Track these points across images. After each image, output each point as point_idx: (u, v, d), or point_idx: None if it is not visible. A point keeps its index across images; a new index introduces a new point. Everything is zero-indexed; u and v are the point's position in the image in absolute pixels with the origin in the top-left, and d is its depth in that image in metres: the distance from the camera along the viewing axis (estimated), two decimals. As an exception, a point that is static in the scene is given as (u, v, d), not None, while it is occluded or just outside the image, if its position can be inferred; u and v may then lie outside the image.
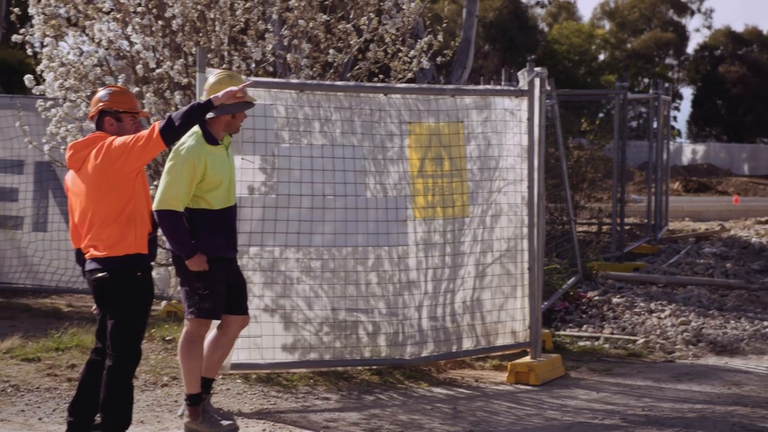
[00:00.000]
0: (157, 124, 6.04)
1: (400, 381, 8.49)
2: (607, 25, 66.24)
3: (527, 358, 8.81)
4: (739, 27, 66.66)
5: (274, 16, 9.45)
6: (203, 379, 6.88)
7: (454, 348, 8.73)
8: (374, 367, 8.57)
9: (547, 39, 55.95)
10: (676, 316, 11.27)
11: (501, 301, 8.94)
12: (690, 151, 56.48)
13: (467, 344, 8.79)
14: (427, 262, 8.57)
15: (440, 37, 9.71)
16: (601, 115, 32.79)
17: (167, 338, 9.26)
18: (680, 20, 66.86)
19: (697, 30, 75.60)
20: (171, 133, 6.06)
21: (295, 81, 8.55)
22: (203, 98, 6.44)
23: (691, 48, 67.42)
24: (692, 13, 67.30)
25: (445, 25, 11.48)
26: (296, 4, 9.09)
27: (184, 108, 6.18)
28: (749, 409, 7.73)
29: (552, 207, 14.37)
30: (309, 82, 8.51)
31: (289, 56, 9.20)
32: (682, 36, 66.05)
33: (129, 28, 9.05)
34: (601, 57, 62.36)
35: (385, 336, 8.42)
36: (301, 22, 9.14)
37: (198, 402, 6.82)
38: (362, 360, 8.42)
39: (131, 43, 9.13)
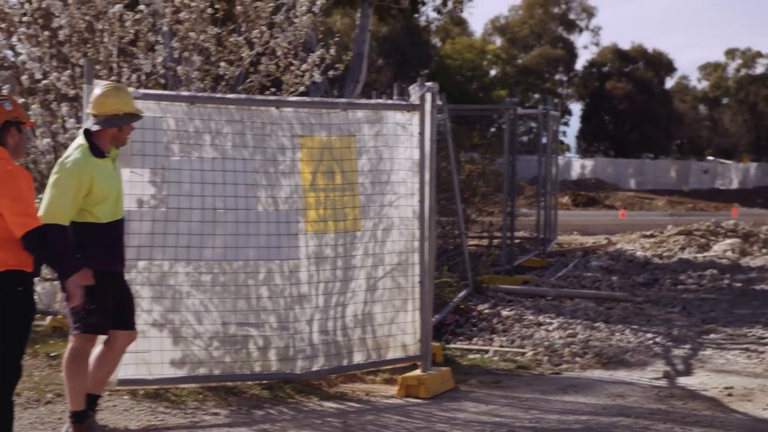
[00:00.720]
0: (35, 224, 5.86)
1: (290, 395, 8.46)
2: (499, 41, 67.23)
3: (417, 372, 8.85)
4: (625, 45, 68.22)
5: (165, 28, 9.36)
6: (89, 396, 6.75)
7: (345, 362, 8.73)
8: (264, 381, 8.52)
9: (439, 54, 56.45)
10: (563, 329, 11.45)
11: (392, 314, 8.97)
12: (579, 166, 57.54)
13: (358, 358, 8.80)
14: (319, 275, 8.56)
15: (333, 51, 9.73)
16: (492, 129, 33.26)
17: (52, 354, 9.06)
18: (569, 37, 68.22)
19: (586, 47, 77.22)
20: (33, 246, 5.88)
21: (185, 93, 8.48)
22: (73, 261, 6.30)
23: (579, 65, 68.78)
24: (581, 31, 68.75)
25: (337, 39, 11.52)
26: (187, 17, 9.02)
27: (62, 250, 6.09)
28: (632, 419, 7.89)
29: (444, 221, 14.48)
30: (200, 94, 8.44)
31: (179, 68, 9.13)
32: (571, 53, 67.39)
33: (14, 38, 8.86)
34: (493, 72, 63.21)
35: (276, 350, 8.38)
36: (191, 34, 9.07)
37: (83, 419, 6.69)
38: (252, 375, 8.37)
39: (16, 53, 8.95)
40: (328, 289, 8.59)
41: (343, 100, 10.19)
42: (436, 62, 53.95)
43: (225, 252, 8.21)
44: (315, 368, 8.56)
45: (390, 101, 10.17)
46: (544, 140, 18.58)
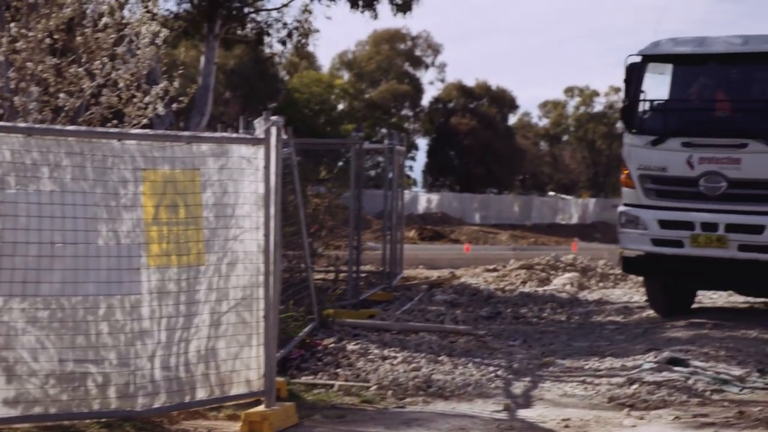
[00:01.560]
0: None
1: (130, 434, 8.28)
2: (346, 75, 67.75)
3: (261, 407, 8.78)
4: (470, 82, 69.74)
5: (1, 58, 9.12)
6: None
7: (188, 398, 8.59)
8: (103, 419, 8.31)
9: (287, 87, 56.54)
10: (407, 363, 11.54)
11: (236, 349, 8.88)
12: (425, 200, 58.34)
13: (201, 394, 8.67)
14: (161, 311, 8.42)
15: (177, 84, 9.64)
16: (340, 163, 33.40)
17: None
18: (415, 73, 69.27)
19: (432, 83, 78.37)
20: None
21: (22, 125, 8.26)
22: None
23: (426, 100, 69.89)
24: (427, 67, 69.88)
25: (182, 71, 11.41)
26: (24, 46, 8.81)
27: None
28: (475, 452, 7.99)
29: (290, 254, 14.44)
30: (38, 126, 8.25)
31: (16, 99, 8.90)
32: (418, 88, 68.43)
33: None
34: (341, 106, 63.62)
35: (116, 387, 8.19)
36: (29, 64, 8.87)
37: None
38: (91, 413, 8.15)
39: None
40: (170, 325, 8.45)
41: (187, 133, 10.09)
42: (284, 95, 54.04)
43: (63, 287, 7.99)
44: (156, 405, 8.39)
45: (235, 135, 10.14)
46: (390, 174, 18.76)
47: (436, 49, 69.54)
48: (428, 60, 69.65)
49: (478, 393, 10.48)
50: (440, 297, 17.27)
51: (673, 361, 11.60)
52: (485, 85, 69.97)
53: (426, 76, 70.80)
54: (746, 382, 11.02)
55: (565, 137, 76.93)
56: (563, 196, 65.74)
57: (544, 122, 78.58)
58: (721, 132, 14.32)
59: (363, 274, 17.74)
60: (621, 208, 15.18)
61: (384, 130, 58.01)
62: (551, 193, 68.37)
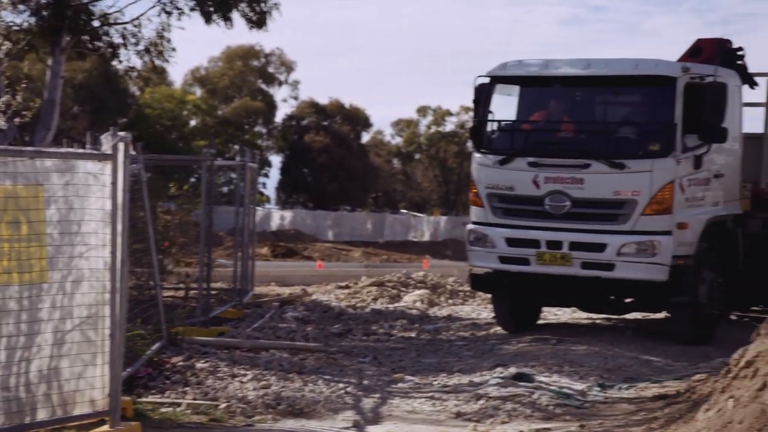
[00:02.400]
0: None
1: (-32, 457, 8.02)
2: (199, 91, 67.14)
3: (106, 427, 8.62)
4: (324, 99, 70.00)
5: None
6: None
7: (28, 419, 8.36)
8: (-61, 443, 8.03)
9: (138, 103, 55.70)
10: (257, 380, 11.49)
11: (80, 368, 8.69)
12: (279, 217, 58.23)
13: (42, 414, 8.45)
14: (1, 330, 8.19)
15: (20, 97, 9.42)
16: (192, 180, 33.10)
17: None
18: (269, 90, 69.10)
19: (285, 100, 78.24)
20: None
21: None
22: None
23: (279, 117, 69.77)
24: (280, 84, 69.81)
25: (26, 84, 11.14)
26: None
27: None
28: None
29: (138, 272, 14.22)
30: None
31: None
32: (271, 105, 68.29)
33: None
34: (193, 122, 62.98)
35: (-47, 409, 7.93)
36: None
37: None
38: (-74, 436, 7.87)
39: None
40: (11, 344, 8.22)
41: (30, 148, 9.88)
42: (135, 111, 53.22)
43: None
44: (-5, 427, 8.15)
45: (81, 150, 9.94)
46: (242, 191, 18.66)
47: (289, 67, 69.59)
48: (282, 77, 69.64)
49: (327, 410, 10.51)
50: (291, 314, 17.24)
51: (519, 377, 11.86)
52: (338, 103, 70.32)
53: (279, 93, 70.75)
54: (588, 396, 11.34)
55: (418, 155, 77.82)
56: (415, 213, 66.46)
57: (397, 140, 79.42)
58: (565, 152, 14.66)
59: (214, 291, 17.57)
60: (470, 226, 15.41)
61: (237, 147, 57.75)
62: (404, 211, 69.05)
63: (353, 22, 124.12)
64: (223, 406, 10.41)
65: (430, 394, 11.37)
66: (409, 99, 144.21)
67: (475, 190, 15.25)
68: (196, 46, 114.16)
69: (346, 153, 64.68)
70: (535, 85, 15.48)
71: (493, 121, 15.31)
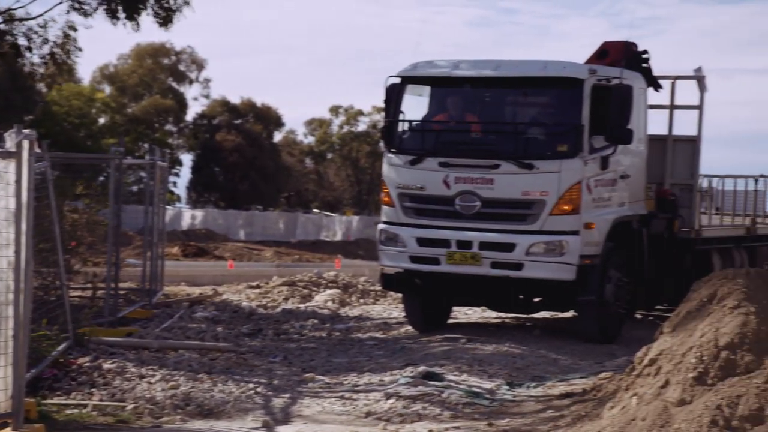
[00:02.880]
0: None
1: None
2: (108, 89, 66.19)
3: (8, 430, 8.47)
4: (235, 98, 69.49)
5: None
6: None
7: (-71, 423, 8.19)
8: None
9: (45, 100, 54.72)
10: (166, 381, 11.36)
11: (-17, 370, 8.53)
12: (189, 217, 57.70)
13: (-57, 418, 8.28)
14: None
15: None
16: (102, 178, 32.66)
17: None
18: (179, 88, 68.40)
19: (196, 99, 77.12)
20: None
21: None
22: None
23: (190, 116, 69.09)
24: (191, 82, 69.13)
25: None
26: None
27: None
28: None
29: (44, 271, 13.98)
30: None
31: None
32: (182, 104, 67.59)
33: None
34: (102, 120, 62.04)
35: None
36: None
37: None
38: None
39: None
40: None
41: (-68, 144, 9.64)
42: (42, 108, 52.24)
43: None
44: None
45: (-16, 147, 9.72)
46: (152, 190, 18.45)
47: (200, 65, 68.94)
48: (193, 75, 68.99)
49: (237, 410, 10.45)
50: (201, 314, 17.11)
51: (429, 376, 11.92)
52: (250, 102, 69.89)
53: (190, 92, 70.02)
54: (496, 394, 11.45)
55: (330, 155, 77.80)
56: (328, 213, 66.42)
57: (310, 140, 79.28)
58: (475, 153, 14.77)
59: (122, 291, 17.36)
60: (381, 226, 15.44)
61: (146, 145, 57.10)
62: (316, 210, 68.95)
63: (266, 22, 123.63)
64: (130, 407, 10.29)
65: (340, 394, 11.38)
66: (322, 98, 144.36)
67: (386, 190, 15.28)
68: (105, 44, 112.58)
69: (258, 152, 64.34)
70: (445, 86, 15.52)
71: (404, 121, 15.34)
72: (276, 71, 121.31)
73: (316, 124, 77.95)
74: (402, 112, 15.31)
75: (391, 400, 10.85)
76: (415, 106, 15.62)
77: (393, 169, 15.20)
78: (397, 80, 15.31)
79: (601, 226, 14.59)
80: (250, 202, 65.31)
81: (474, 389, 11.52)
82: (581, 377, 12.23)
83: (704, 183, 18.33)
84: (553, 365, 13.25)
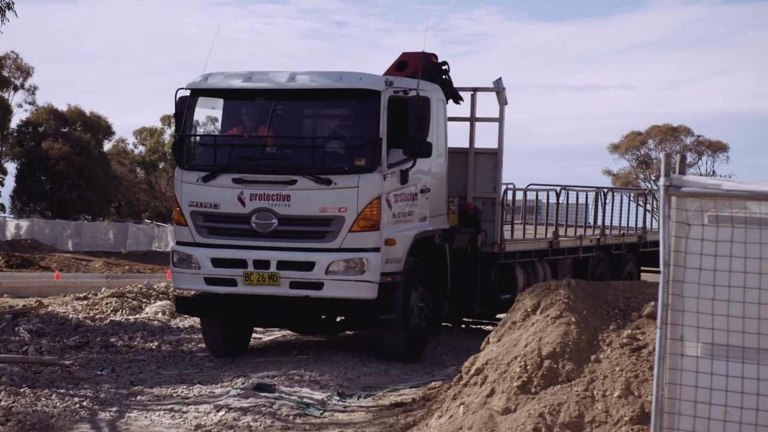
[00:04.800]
0: None
1: None
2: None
3: None
4: (62, 106, 67.67)
5: None
6: None
7: None
8: None
9: None
10: (-15, 396, 11.00)
11: None
12: (14, 226, 55.90)
13: None
14: None
15: None
16: None
17: None
18: (3, 95, 66.25)
19: (21, 105, 74.50)
20: None
21: None
22: None
23: (15, 123, 66.98)
24: (16, 89, 67.06)
25: None
26: None
27: None
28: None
29: None
30: None
31: None
32: (6, 110, 65.53)
33: None
34: None
35: None
36: None
37: None
38: None
39: None
40: None
41: None
42: None
43: None
44: None
45: None
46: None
47: (26, 71, 67.00)
48: (17, 81, 66.93)
49: (61, 424, 10.19)
50: (25, 327, 16.59)
51: (260, 387, 11.88)
52: (79, 110, 68.29)
53: (15, 99, 67.88)
54: (327, 405, 11.49)
55: (162, 164, 76.62)
56: (160, 223, 65.34)
57: (141, 149, 77.89)
58: (270, 168, 14.03)
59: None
60: (173, 247, 14.70)
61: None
62: (147, 221, 67.77)
63: (94, 29, 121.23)
64: (-53, 424, 9.92)
65: (169, 407, 11.22)
66: (153, 107, 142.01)
67: (178, 208, 14.39)
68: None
69: (87, 161, 62.82)
70: (238, 98, 14.67)
71: (194, 135, 14.59)
72: (105, 79, 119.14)
73: (146, 134, 76.67)
74: (194, 126, 14.57)
75: (221, 413, 10.77)
76: (210, 119, 15.18)
77: (185, 186, 14.28)
78: (187, 92, 14.44)
79: (403, 242, 14.09)
80: (79, 211, 63.74)
81: (305, 400, 11.53)
82: (411, 387, 12.38)
83: (509, 196, 17.48)
84: (384, 375, 13.36)
